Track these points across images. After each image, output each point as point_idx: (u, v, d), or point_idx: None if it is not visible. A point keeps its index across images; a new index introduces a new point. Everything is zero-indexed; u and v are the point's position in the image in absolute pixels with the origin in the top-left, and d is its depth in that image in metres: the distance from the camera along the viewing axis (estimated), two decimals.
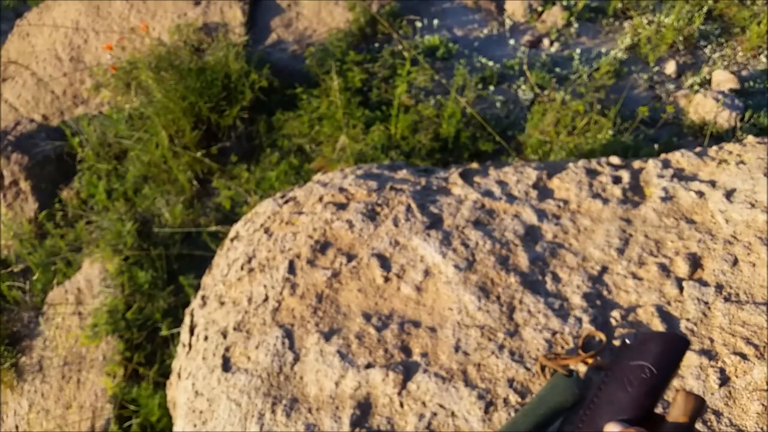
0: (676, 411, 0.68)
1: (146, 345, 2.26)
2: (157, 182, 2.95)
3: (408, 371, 1.37)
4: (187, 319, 1.86)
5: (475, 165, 2.06)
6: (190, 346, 1.74)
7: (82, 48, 3.82)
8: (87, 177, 3.01)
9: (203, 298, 1.87)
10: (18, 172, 3.03)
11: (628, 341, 0.79)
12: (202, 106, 3.04)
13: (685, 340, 0.74)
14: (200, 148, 3.02)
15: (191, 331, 1.78)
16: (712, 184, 1.72)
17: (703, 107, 3.16)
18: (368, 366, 1.40)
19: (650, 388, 0.70)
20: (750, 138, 1.92)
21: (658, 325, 1.43)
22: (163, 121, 2.97)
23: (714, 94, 3.20)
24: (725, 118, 3.10)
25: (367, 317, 1.51)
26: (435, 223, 1.73)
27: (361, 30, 3.59)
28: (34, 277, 2.68)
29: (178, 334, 2.13)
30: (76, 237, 2.81)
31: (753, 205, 1.61)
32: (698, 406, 0.68)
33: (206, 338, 1.67)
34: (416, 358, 1.41)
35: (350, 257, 1.68)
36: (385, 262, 1.64)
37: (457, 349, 1.40)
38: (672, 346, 0.73)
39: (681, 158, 1.83)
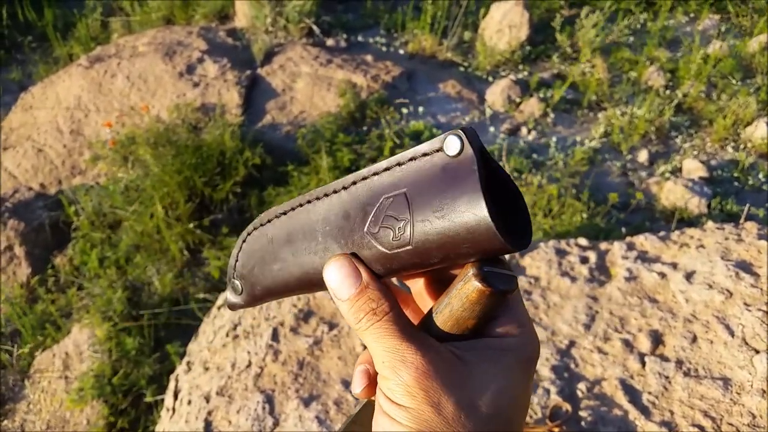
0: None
1: (130, 411, 2.29)
2: (148, 251, 3.04)
3: None
4: (171, 384, 1.92)
5: None
6: (173, 410, 1.79)
7: (83, 122, 3.98)
8: (81, 245, 3.09)
9: (188, 363, 1.93)
10: (13, 238, 3.12)
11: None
12: (197, 180, 3.16)
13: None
14: (193, 220, 3.13)
15: (175, 396, 1.84)
16: (674, 266, 1.84)
17: (674, 194, 3.33)
18: None
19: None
20: (710, 224, 2.06)
21: (621, 398, 1.51)
22: (159, 194, 3.09)
23: (684, 181, 3.37)
24: (695, 204, 3.26)
25: (345, 384, 1.59)
26: None
27: (351, 114, 3.78)
28: (23, 341, 2.71)
29: (163, 400, 2.17)
30: (67, 302, 2.87)
31: (711, 287, 1.72)
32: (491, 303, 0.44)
33: (189, 402, 1.73)
34: None
35: (332, 326, 1.77)
36: None
37: None
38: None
39: (645, 241, 1.96)
